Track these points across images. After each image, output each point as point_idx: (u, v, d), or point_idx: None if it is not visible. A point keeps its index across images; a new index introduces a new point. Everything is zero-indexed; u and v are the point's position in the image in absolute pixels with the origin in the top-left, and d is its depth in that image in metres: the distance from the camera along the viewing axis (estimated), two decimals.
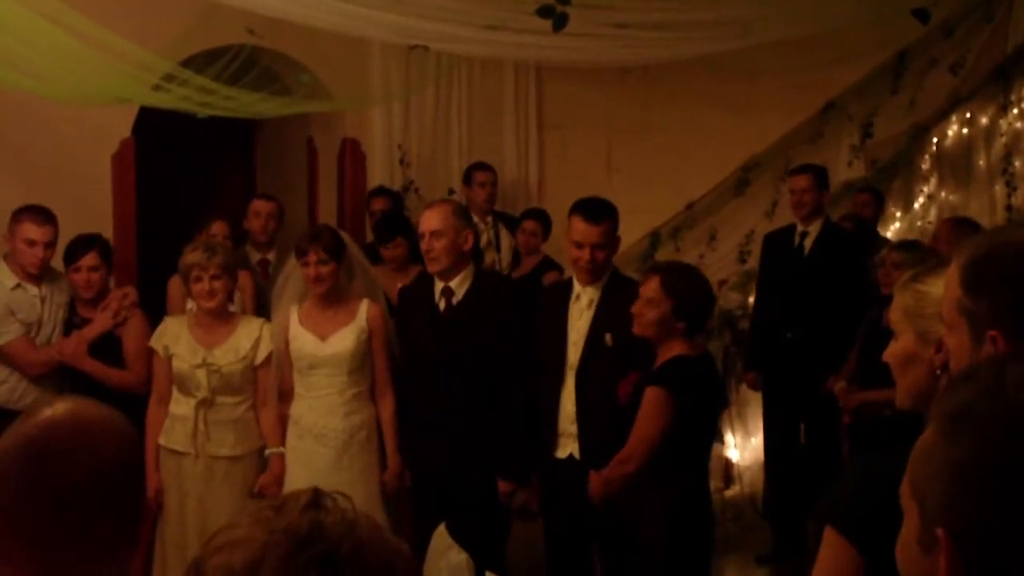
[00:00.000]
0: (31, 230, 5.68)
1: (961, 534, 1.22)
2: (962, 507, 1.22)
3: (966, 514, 1.22)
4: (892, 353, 2.60)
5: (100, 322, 5.74)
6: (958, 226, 6.71)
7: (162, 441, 5.47)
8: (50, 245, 5.74)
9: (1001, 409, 1.23)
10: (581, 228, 5.11)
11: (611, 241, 5.17)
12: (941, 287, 2.62)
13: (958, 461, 1.23)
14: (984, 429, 1.22)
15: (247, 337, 5.49)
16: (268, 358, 5.48)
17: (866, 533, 2.17)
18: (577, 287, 5.21)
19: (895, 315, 2.65)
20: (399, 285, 6.37)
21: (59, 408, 1.92)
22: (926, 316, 2.60)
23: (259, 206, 7.37)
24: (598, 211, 5.14)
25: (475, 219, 7.07)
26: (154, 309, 6.00)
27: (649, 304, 4.64)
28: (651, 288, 4.64)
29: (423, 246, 5.35)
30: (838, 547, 2.25)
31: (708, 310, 4.85)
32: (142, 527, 1.98)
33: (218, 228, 6.82)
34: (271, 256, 7.29)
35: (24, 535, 1.83)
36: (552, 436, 5.18)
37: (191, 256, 5.40)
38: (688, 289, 4.64)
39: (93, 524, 1.85)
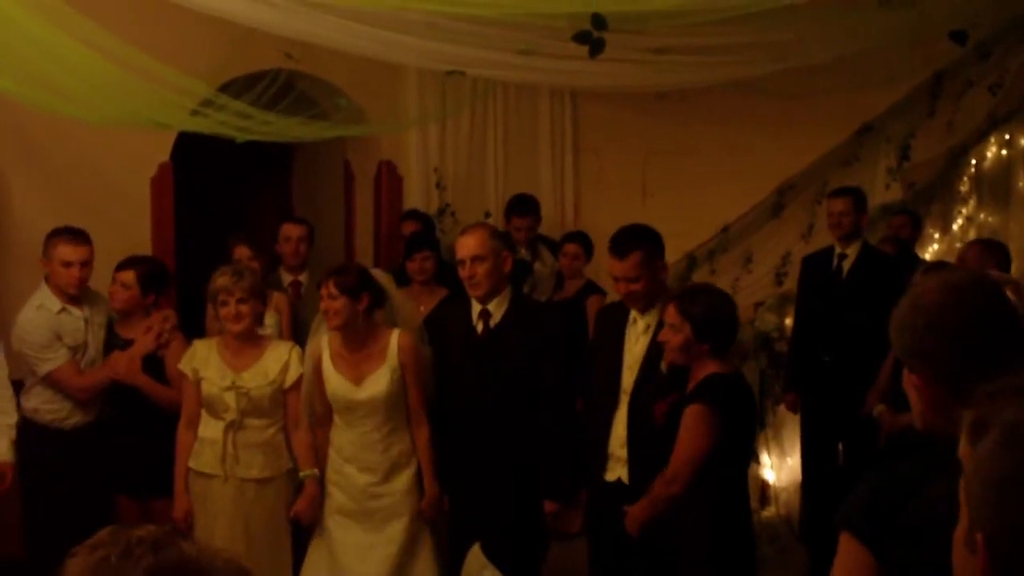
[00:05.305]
0: (67, 252, 5.74)
1: (995, 541, 1.24)
2: (999, 517, 1.24)
3: (1002, 524, 1.23)
4: (905, 382, 2.61)
5: (144, 343, 5.80)
6: (987, 248, 6.66)
7: (191, 464, 5.50)
8: (86, 264, 5.79)
9: None
10: (612, 264, 5.11)
11: (646, 271, 5.06)
12: None
13: (1002, 473, 1.25)
14: None
15: (276, 361, 5.50)
16: (297, 382, 5.49)
17: (882, 539, 2.18)
18: (634, 311, 5.19)
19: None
20: (421, 308, 6.39)
21: None
22: None
23: (289, 230, 7.40)
24: (624, 245, 5.07)
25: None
26: (191, 332, 6.04)
27: (671, 331, 4.64)
28: (670, 315, 4.65)
29: (464, 272, 5.33)
30: (855, 552, 2.26)
31: (730, 326, 4.74)
32: None
33: (240, 252, 6.81)
34: (303, 277, 7.33)
35: None
36: (602, 458, 5.14)
37: (219, 280, 5.43)
38: (705, 311, 4.60)
39: None
